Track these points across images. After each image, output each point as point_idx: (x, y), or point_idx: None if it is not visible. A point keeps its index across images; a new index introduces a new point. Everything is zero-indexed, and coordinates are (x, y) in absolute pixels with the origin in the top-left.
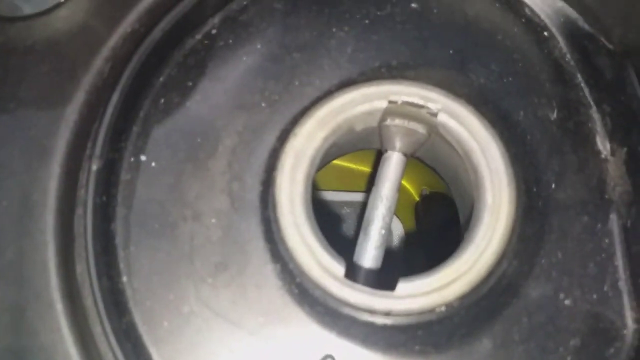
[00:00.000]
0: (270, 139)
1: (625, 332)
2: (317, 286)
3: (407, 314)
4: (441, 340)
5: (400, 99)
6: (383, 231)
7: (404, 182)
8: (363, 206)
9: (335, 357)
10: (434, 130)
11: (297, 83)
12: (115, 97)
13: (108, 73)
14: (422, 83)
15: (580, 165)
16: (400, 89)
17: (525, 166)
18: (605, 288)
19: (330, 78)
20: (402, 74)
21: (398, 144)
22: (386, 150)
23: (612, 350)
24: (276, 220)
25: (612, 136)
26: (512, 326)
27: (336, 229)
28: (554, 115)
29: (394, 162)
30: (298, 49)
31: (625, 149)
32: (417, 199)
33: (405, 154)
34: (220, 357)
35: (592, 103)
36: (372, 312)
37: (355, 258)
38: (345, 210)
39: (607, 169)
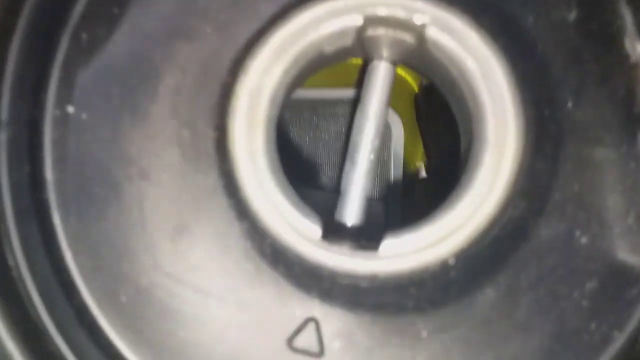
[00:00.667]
0: (220, 73)
1: None
2: (290, 249)
3: (395, 276)
4: (437, 296)
5: (377, 12)
6: (372, 156)
7: (400, 72)
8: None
9: (319, 320)
10: (424, 39)
11: None
12: (16, 40)
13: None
14: None
15: (604, 75)
16: None
17: (536, 85)
18: (630, 220)
19: None
20: None
21: (384, 52)
22: (371, 60)
23: (634, 291)
24: (235, 176)
25: None
26: (519, 272)
27: (320, 141)
28: (571, 17)
29: (380, 74)
30: None
31: None
32: (417, 90)
33: (394, 62)
34: (189, 329)
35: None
36: (354, 276)
37: (340, 203)
38: (334, 112)
39: (636, 77)
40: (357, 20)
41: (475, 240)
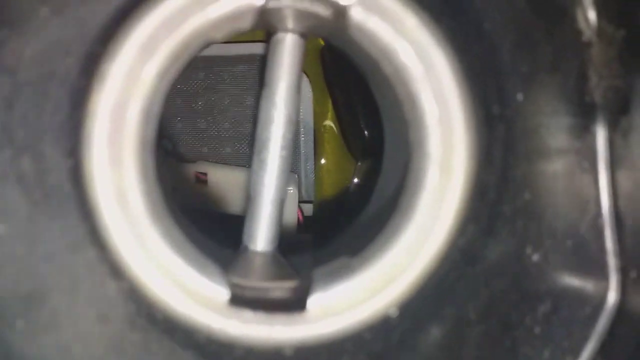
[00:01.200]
0: (67, 77)
1: (605, 285)
2: (187, 318)
3: (328, 339)
4: (377, 348)
5: None
6: (284, 152)
7: None
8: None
9: None
10: (344, 18)
11: None
12: None
13: None
14: None
15: (556, 58)
16: None
17: (484, 75)
18: (583, 229)
19: None
20: None
21: (291, 24)
22: (275, 31)
23: (588, 310)
24: (101, 220)
25: (601, 8)
26: (466, 303)
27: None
28: None
29: (287, 49)
30: None
31: (621, 31)
32: (323, 42)
33: (302, 34)
34: None
35: None
36: (276, 346)
37: (250, 217)
38: (233, 71)
39: (589, 57)
40: (254, 0)
41: (421, 283)
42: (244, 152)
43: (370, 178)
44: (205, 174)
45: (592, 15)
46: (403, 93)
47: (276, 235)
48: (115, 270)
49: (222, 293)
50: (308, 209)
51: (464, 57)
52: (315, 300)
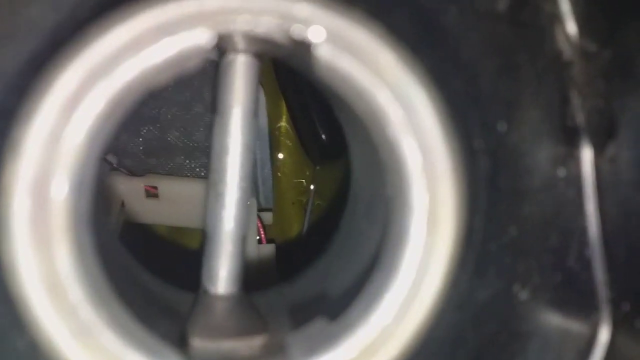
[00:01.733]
0: None
1: (596, 321)
2: None
3: None
4: None
5: (237, 25)
6: (243, 183)
7: None
8: None
9: None
10: (310, 56)
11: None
12: None
13: None
14: None
15: (538, 81)
16: (235, 2)
17: (465, 108)
18: (571, 262)
19: None
20: None
21: (241, 45)
22: (224, 52)
23: (580, 348)
24: (35, 329)
25: (584, 25)
26: (456, 350)
27: None
28: (500, 6)
29: (240, 72)
30: None
31: (607, 51)
32: None
33: (258, 56)
34: None
35: None
36: None
37: (207, 266)
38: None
39: (570, 78)
40: (203, 39)
41: (410, 346)
42: (196, 162)
43: (330, 185)
44: (155, 188)
45: (572, 31)
46: (380, 137)
47: (239, 275)
48: None
49: None
50: (268, 217)
51: (445, 92)
52: None
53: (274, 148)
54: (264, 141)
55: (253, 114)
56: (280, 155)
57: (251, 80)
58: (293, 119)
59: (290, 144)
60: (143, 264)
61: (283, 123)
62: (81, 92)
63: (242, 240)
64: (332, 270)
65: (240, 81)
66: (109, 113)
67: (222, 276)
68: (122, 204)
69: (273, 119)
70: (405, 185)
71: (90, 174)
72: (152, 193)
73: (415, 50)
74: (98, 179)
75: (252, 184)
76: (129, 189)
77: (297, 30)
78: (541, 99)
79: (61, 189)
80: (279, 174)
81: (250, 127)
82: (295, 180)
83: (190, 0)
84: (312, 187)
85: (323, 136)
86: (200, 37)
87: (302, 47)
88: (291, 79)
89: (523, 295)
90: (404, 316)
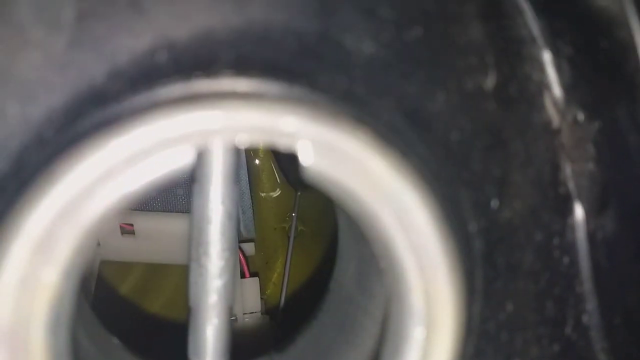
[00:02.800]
0: None
1: None
2: None
3: None
4: None
5: (223, 144)
6: (227, 253)
7: None
8: None
9: None
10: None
11: None
12: None
13: None
14: (257, 92)
15: (527, 153)
16: (218, 119)
17: (458, 196)
18: (568, 331)
19: (43, 97)
20: (208, 65)
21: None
22: None
23: None
24: None
25: (570, 92)
26: None
27: None
28: (489, 82)
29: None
30: None
31: (596, 123)
32: None
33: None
34: None
35: (536, 34)
36: None
37: (193, 340)
38: None
39: (560, 144)
40: (186, 157)
41: None
42: (172, 196)
43: (314, 211)
44: (131, 225)
45: (560, 100)
46: (374, 237)
47: (226, 347)
48: None
49: None
50: (250, 248)
51: (436, 185)
52: None
53: (252, 174)
54: (243, 170)
55: (234, 177)
56: (260, 182)
57: (228, 162)
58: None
59: (269, 169)
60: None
61: (261, 152)
62: (56, 227)
63: (229, 311)
64: (323, 344)
65: (215, 165)
66: (87, 244)
67: (208, 352)
68: (98, 244)
69: (252, 148)
70: (403, 289)
71: (68, 311)
72: (128, 230)
73: (404, 142)
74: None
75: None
76: (104, 229)
77: (285, 144)
78: (532, 171)
79: (39, 334)
80: (259, 201)
81: (232, 193)
82: (277, 208)
83: (169, 117)
84: (294, 213)
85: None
86: (181, 156)
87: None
88: None
89: None
90: None
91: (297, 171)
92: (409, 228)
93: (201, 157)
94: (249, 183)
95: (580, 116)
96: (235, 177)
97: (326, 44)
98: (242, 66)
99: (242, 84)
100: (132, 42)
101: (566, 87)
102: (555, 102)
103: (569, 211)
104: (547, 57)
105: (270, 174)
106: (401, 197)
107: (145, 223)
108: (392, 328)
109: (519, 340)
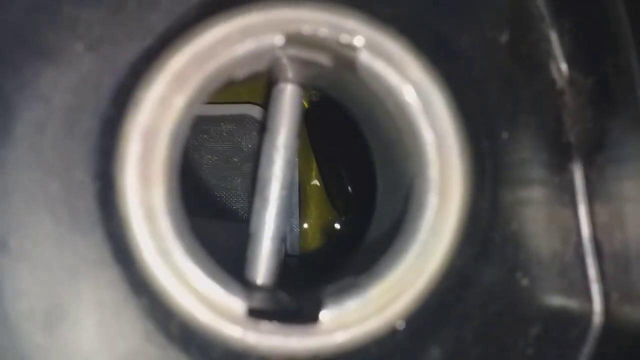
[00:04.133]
0: (100, 106)
1: (590, 309)
2: (205, 330)
3: (339, 351)
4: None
5: (302, 30)
6: (284, 192)
7: None
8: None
9: None
10: (344, 63)
11: (130, 6)
12: None
13: None
14: (331, 3)
15: (534, 102)
16: (301, 14)
17: (476, 115)
18: (567, 257)
19: None
20: None
21: (292, 74)
22: (277, 82)
23: (576, 332)
24: (127, 240)
25: (571, 60)
26: (464, 325)
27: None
28: (503, 37)
29: (288, 99)
30: None
31: (590, 79)
32: (307, 105)
33: (302, 85)
34: None
35: (545, 14)
36: (291, 357)
37: (251, 251)
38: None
39: (563, 103)
40: (274, 40)
41: (425, 298)
42: (232, 207)
43: (353, 232)
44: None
45: (563, 67)
46: (405, 126)
47: (276, 271)
48: (136, 286)
49: (241, 305)
50: (293, 264)
51: (457, 97)
52: (327, 314)
53: (303, 200)
54: (294, 192)
55: (296, 133)
56: (309, 207)
57: (296, 105)
58: (322, 173)
59: (318, 197)
60: None
61: (312, 178)
62: (186, 70)
63: (281, 241)
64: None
65: (287, 105)
66: (202, 90)
67: (261, 270)
68: None
69: (304, 175)
70: (424, 163)
71: (184, 133)
72: None
73: (435, 63)
74: (184, 145)
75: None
76: None
77: (344, 38)
78: (538, 117)
79: (164, 140)
80: (305, 223)
81: (293, 144)
82: (322, 231)
83: (259, 12)
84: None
85: (349, 189)
86: (270, 39)
87: (347, 54)
88: (322, 137)
89: (524, 282)
90: (420, 272)
91: (343, 197)
92: (432, 115)
93: (274, 107)
94: (299, 206)
95: (579, 79)
96: (297, 132)
97: None
98: None
99: None
100: None
101: (568, 58)
102: (559, 69)
103: (568, 157)
104: (553, 33)
105: (319, 199)
106: (428, 90)
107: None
108: (413, 201)
109: (522, 257)
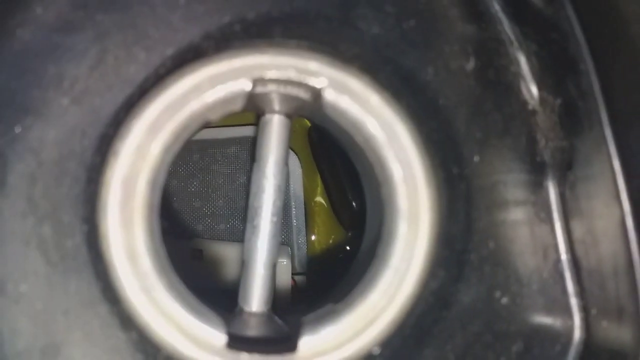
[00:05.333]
0: (84, 155)
1: (571, 324)
2: None
3: None
4: None
5: (268, 75)
6: (275, 218)
7: None
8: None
9: None
10: (319, 97)
11: (110, 61)
12: None
13: None
14: (295, 46)
15: (506, 124)
16: (266, 59)
17: (442, 143)
18: (545, 274)
19: (160, 48)
20: (265, 33)
21: (277, 106)
22: (263, 114)
23: (558, 348)
24: (113, 278)
25: (540, 81)
26: (444, 345)
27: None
28: (470, 65)
29: (275, 128)
30: (103, 5)
31: (558, 100)
32: (310, 124)
33: (288, 115)
34: None
35: (513, 39)
36: None
37: (244, 280)
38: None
39: (536, 123)
40: (244, 85)
41: (399, 322)
42: (237, 227)
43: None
44: (200, 251)
45: (533, 88)
46: (373, 158)
47: (270, 297)
48: (125, 322)
49: (221, 338)
50: (301, 281)
51: (423, 128)
52: (305, 342)
53: (309, 217)
54: (300, 210)
55: (284, 161)
56: (315, 224)
57: (283, 134)
58: (327, 190)
59: (324, 213)
60: None
61: (318, 197)
62: (160, 119)
63: (274, 267)
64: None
65: (274, 135)
66: (178, 135)
67: (255, 297)
68: None
69: (309, 192)
70: (392, 192)
71: (162, 177)
72: (196, 256)
73: (398, 97)
74: (162, 188)
75: (288, 249)
76: (176, 252)
77: (309, 80)
78: (509, 140)
79: (143, 186)
80: (314, 241)
81: (282, 172)
82: (329, 247)
83: (228, 61)
84: (347, 249)
85: (354, 204)
86: (240, 85)
87: (314, 94)
88: (325, 155)
89: (504, 300)
90: (393, 296)
91: (349, 213)
92: (397, 146)
93: (261, 138)
94: (306, 223)
95: (549, 99)
96: (285, 160)
97: (345, 25)
98: (288, 34)
99: (289, 43)
100: (219, 17)
101: (538, 80)
102: (529, 90)
103: (543, 175)
104: (521, 55)
105: (325, 216)
106: (391, 123)
107: (212, 250)
108: (385, 228)
109: (501, 276)
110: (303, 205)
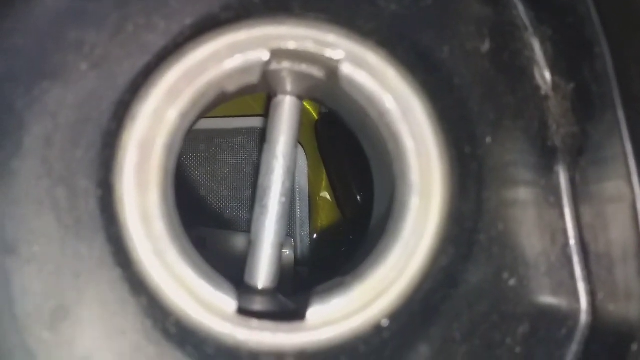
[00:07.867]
0: (100, 119)
1: (577, 307)
2: (199, 327)
3: (325, 347)
4: (370, 357)
5: (286, 45)
6: (283, 199)
7: None
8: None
9: None
10: (336, 75)
11: (129, 28)
12: None
13: None
14: (314, 19)
15: (519, 108)
16: (284, 30)
17: (456, 122)
18: (553, 258)
19: (180, 17)
20: (284, 5)
21: (289, 87)
22: (275, 95)
23: (564, 331)
24: (126, 242)
25: (553, 67)
26: (452, 324)
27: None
28: (485, 47)
29: (286, 109)
30: None
31: (571, 85)
32: (316, 117)
33: (299, 97)
34: None
35: (528, 24)
36: (279, 353)
37: (251, 256)
38: (231, 143)
39: (548, 108)
40: (261, 55)
41: (408, 296)
42: (242, 217)
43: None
44: (204, 239)
45: (546, 73)
46: (387, 133)
47: (276, 276)
48: (135, 286)
49: (232, 304)
50: (303, 273)
51: (437, 105)
52: (314, 312)
53: (313, 210)
54: (304, 203)
55: (295, 142)
56: (319, 218)
57: (294, 115)
58: (331, 182)
59: (328, 207)
60: None
61: (323, 189)
62: (179, 85)
63: (280, 246)
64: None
65: (286, 116)
66: (195, 102)
67: (261, 275)
68: None
69: (314, 185)
70: (405, 167)
71: (178, 143)
72: (200, 244)
73: (414, 72)
74: (178, 155)
75: (292, 240)
76: None
77: (327, 52)
78: (522, 124)
79: (159, 150)
80: (317, 233)
81: (292, 153)
82: (332, 241)
83: (247, 30)
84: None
85: (358, 197)
86: (258, 55)
87: (329, 71)
88: (331, 148)
89: (511, 282)
90: (403, 270)
91: (353, 206)
92: (411, 120)
93: (273, 119)
94: (309, 216)
95: (561, 84)
96: (295, 142)
97: (364, 0)
98: (307, 7)
99: (307, 15)
100: None
101: (551, 65)
102: (542, 75)
103: (554, 160)
104: (535, 41)
105: (329, 209)
106: (406, 98)
107: (216, 238)
108: (396, 203)
109: (509, 257)
110: (307, 198)
